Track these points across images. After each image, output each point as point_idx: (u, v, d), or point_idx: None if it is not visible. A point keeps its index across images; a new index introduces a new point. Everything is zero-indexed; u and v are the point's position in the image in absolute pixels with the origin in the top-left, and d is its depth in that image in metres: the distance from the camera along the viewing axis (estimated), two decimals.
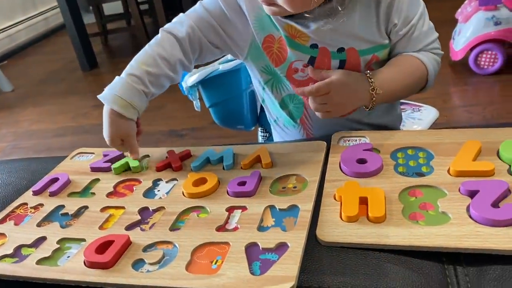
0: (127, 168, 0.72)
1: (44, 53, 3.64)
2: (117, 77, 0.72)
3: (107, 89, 0.71)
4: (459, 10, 1.98)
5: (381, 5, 0.66)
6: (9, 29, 3.67)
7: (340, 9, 0.63)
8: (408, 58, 0.70)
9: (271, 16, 0.68)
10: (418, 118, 1.35)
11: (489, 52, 1.87)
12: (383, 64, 0.71)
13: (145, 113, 1.81)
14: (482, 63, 1.90)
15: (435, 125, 1.42)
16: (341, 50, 0.68)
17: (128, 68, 0.71)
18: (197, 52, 0.73)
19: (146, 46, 0.73)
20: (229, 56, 0.87)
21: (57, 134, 2.13)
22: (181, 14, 0.74)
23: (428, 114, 1.36)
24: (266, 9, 0.65)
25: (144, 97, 0.71)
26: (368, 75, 0.67)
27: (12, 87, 2.81)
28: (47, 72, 3.09)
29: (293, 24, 0.67)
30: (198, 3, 0.73)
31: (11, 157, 1.97)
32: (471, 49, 1.89)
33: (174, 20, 0.74)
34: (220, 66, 0.83)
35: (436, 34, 0.72)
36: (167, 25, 0.74)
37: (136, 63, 0.71)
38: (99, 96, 0.71)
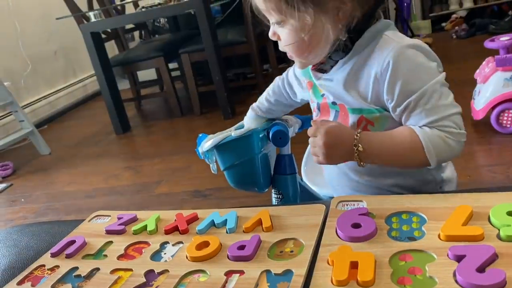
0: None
1: (81, 118, 3.85)
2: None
3: None
4: (478, 71, 2.01)
5: (370, 79, 0.72)
6: (50, 96, 3.92)
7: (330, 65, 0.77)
8: (402, 129, 0.71)
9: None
10: None
11: (511, 111, 1.87)
12: (382, 130, 0.74)
13: (172, 173, 1.97)
14: (505, 122, 1.90)
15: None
16: (334, 103, 0.78)
17: None
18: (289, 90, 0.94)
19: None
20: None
21: (88, 196, 2.22)
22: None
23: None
24: (296, 64, 0.81)
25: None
26: (356, 132, 0.71)
27: (49, 150, 2.97)
28: (83, 135, 3.25)
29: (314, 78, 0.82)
30: None
31: (44, 218, 2.06)
32: (493, 108, 1.90)
33: None
34: (233, 133, 0.89)
35: (452, 111, 0.69)
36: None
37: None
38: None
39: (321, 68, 0.80)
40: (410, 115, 0.70)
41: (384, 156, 0.72)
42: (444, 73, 0.72)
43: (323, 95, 0.81)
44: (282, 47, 0.77)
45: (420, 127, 0.70)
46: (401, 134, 0.71)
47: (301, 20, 0.70)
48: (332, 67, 0.77)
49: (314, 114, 0.86)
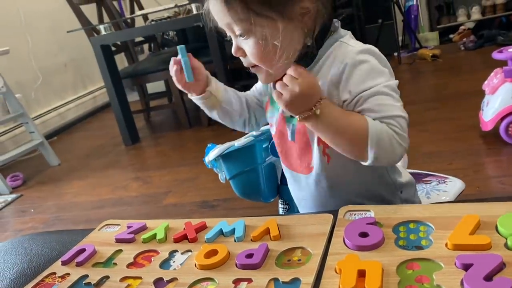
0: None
1: (91, 129, 3.89)
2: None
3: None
4: (486, 82, 2.01)
5: (325, 83, 0.73)
6: (60, 107, 3.97)
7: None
8: (359, 115, 0.72)
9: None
10: (443, 190, 1.34)
11: None
12: None
13: (180, 184, 1.97)
14: None
15: (465, 197, 1.41)
16: (292, 116, 0.76)
17: None
18: (252, 108, 0.92)
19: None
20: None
21: (96, 206, 2.23)
22: None
23: (453, 185, 1.36)
24: (260, 79, 0.80)
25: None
26: (322, 97, 0.69)
27: (59, 161, 3.00)
28: (92, 147, 3.28)
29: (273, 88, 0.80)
30: None
31: (53, 228, 2.07)
32: (501, 119, 1.89)
33: None
34: (236, 143, 0.90)
35: (400, 113, 0.71)
36: None
37: None
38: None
39: None
40: (360, 110, 0.71)
41: (331, 129, 0.70)
42: (396, 81, 0.74)
43: (279, 109, 0.82)
44: (248, 61, 0.76)
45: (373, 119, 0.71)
46: (356, 116, 0.71)
47: (269, 27, 0.70)
48: None
49: (273, 128, 0.86)
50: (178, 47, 0.83)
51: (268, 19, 0.70)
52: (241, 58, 0.77)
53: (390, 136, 0.69)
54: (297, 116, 0.70)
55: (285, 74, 0.70)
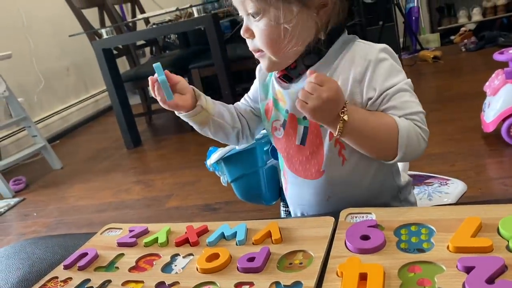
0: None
1: (93, 133, 3.89)
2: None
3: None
4: (487, 83, 2.00)
5: (349, 82, 0.73)
6: (62, 111, 3.98)
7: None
8: (384, 113, 0.72)
9: (270, 82, 0.82)
10: (445, 192, 1.34)
11: None
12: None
13: (182, 187, 1.96)
14: None
15: (467, 199, 1.41)
16: (305, 117, 0.76)
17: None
18: (245, 119, 0.88)
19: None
20: None
21: (98, 210, 2.24)
22: None
23: (455, 187, 1.35)
24: (262, 66, 0.78)
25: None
26: (346, 101, 0.68)
27: (61, 165, 3.00)
28: (94, 150, 3.28)
29: (279, 89, 0.79)
30: None
31: (55, 232, 2.08)
32: (503, 121, 1.89)
33: None
34: (237, 146, 0.90)
35: (421, 109, 0.72)
36: None
37: None
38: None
39: (287, 76, 0.78)
40: (386, 108, 0.72)
41: (363, 133, 0.70)
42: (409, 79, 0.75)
43: (287, 111, 0.79)
44: (254, 45, 0.75)
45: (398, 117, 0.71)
46: (383, 116, 0.71)
47: (284, 11, 0.69)
48: (300, 75, 0.76)
49: (278, 132, 0.83)
50: (154, 65, 0.76)
51: (285, 2, 0.69)
52: (248, 40, 0.76)
53: (416, 132, 0.71)
54: (330, 129, 0.70)
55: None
